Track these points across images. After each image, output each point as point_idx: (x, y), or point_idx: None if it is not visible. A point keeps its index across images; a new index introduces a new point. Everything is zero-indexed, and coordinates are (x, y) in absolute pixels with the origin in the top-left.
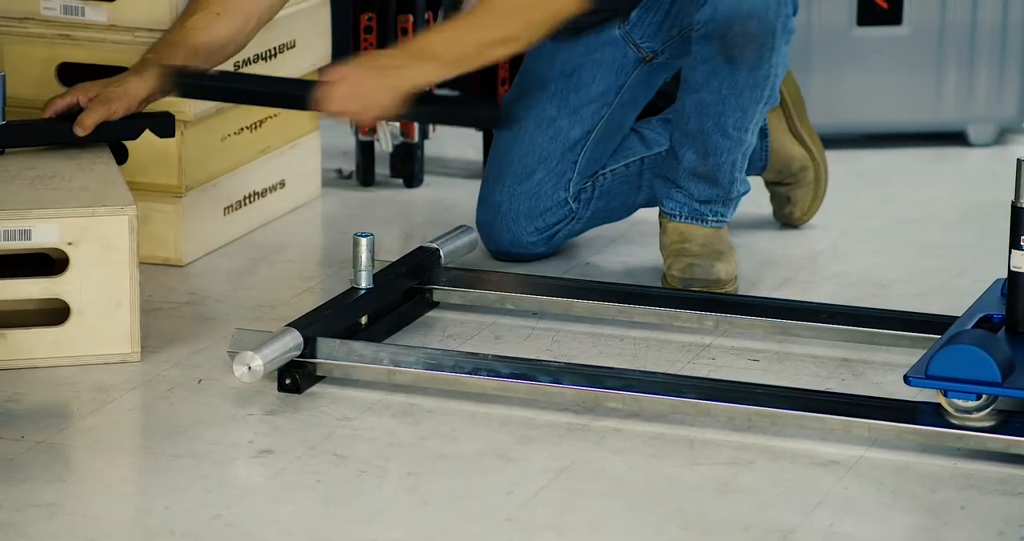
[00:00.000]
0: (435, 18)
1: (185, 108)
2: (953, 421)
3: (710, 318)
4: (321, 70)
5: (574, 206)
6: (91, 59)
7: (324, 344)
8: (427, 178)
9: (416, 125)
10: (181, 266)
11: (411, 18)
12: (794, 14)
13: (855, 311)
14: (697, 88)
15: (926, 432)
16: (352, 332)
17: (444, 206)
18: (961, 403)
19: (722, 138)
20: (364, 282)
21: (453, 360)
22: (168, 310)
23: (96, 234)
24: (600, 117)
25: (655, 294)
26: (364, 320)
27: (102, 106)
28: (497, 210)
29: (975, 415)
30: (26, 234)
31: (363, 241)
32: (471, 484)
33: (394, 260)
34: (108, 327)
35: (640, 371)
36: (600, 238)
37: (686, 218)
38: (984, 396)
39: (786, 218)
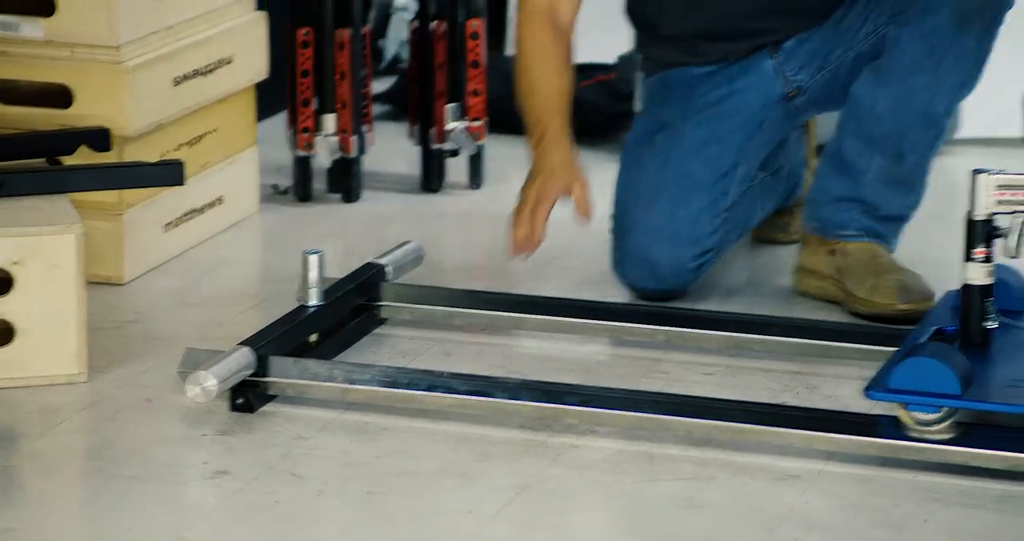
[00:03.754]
0: (373, 35)
1: (124, 123)
2: (913, 434)
3: (661, 332)
4: None
5: (723, 238)
6: (28, 76)
7: (277, 362)
8: (364, 193)
9: (354, 139)
10: (122, 284)
11: (348, 33)
12: None
13: (807, 323)
14: (899, 79)
15: (886, 445)
16: (302, 350)
17: (383, 221)
18: (922, 416)
19: (928, 132)
20: (314, 299)
21: (408, 377)
22: (112, 329)
23: (42, 254)
24: (745, 150)
25: (605, 308)
26: (314, 337)
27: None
28: (658, 236)
29: (935, 428)
30: None
31: (312, 259)
32: (432, 503)
33: (340, 277)
34: (55, 348)
35: (598, 387)
36: (542, 253)
37: (872, 236)
38: (944, 409)
39: (776, 234)
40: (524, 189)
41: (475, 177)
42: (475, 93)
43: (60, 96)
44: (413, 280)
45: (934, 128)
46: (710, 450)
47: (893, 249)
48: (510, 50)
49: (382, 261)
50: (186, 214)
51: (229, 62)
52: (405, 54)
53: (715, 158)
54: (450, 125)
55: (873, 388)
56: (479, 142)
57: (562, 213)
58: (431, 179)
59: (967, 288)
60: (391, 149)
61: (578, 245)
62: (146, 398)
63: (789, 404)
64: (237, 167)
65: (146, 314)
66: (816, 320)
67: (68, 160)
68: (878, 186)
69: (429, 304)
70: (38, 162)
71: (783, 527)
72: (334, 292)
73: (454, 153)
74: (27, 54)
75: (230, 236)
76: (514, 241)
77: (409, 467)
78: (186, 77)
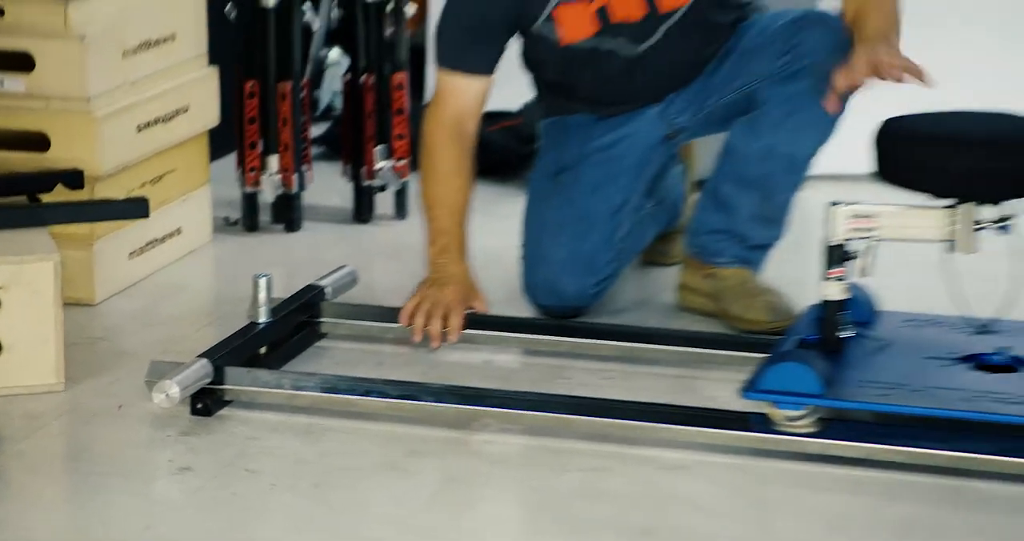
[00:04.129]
0: (311, 86)
1: (95, 165)
2: (782, 429)
3: (565, 343)
4: None
5: (618, 264)
6: (10, 124)
7: (232, 372)
8: (304, 224)
9: (295, 177)
10: (93, 305)
11: (289, 85)
12: None
13: (689, 334)
14: (767, 132)
15: (759, 438)
16: (253, 361)
17: (321, 248)
18: (789, 413)
19: (790, 178)
20: (263, 317)
21: (347, 384)
22: (85, 345)
23: (24, 280)
24: (634, 187)
25: (516, 323)
26: (263, 350)
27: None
28: (562, 267)
29: (800, 423)
30: None
31: (261, 281)
32: (370, 494)
33: (285, 297)
34: (35, 361)
35: (512, 391)
36: None
37: (740, 262)
38: (808, 407)
39: (659, 257)
40: (420, 290)
41: (400, 209)
42: (400, 136)
43: (38, 142)
44: (349, 299)
45: (795, 174)
46: (608, 445)
47: (761, 272)
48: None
49: (322, 283)
50: (148, 244)
51: (186, 111)
52: (337, 102)
53: (609, 196)
54: (378, 164)
55: (748, 389)
56: (404, 179)
57: (474, 247)
58: (362, 211)
59: (825, 303)
60: (327, 185)
61: (489, 270)
62: (117, 405)
63: (675, 404)
64: (193, 202)
65: (114, 331)
66: (697, 331)
67: (46, 197)
68: (748, 221)
69: (364, 320)
70: (20, 199)
71: (673, 510)
72: (280, 310)
73: (382, 188)
74: (9, 105)
75: (187, 263)
76: (427, 333)
77: (349, 463)
78: (148, 124)
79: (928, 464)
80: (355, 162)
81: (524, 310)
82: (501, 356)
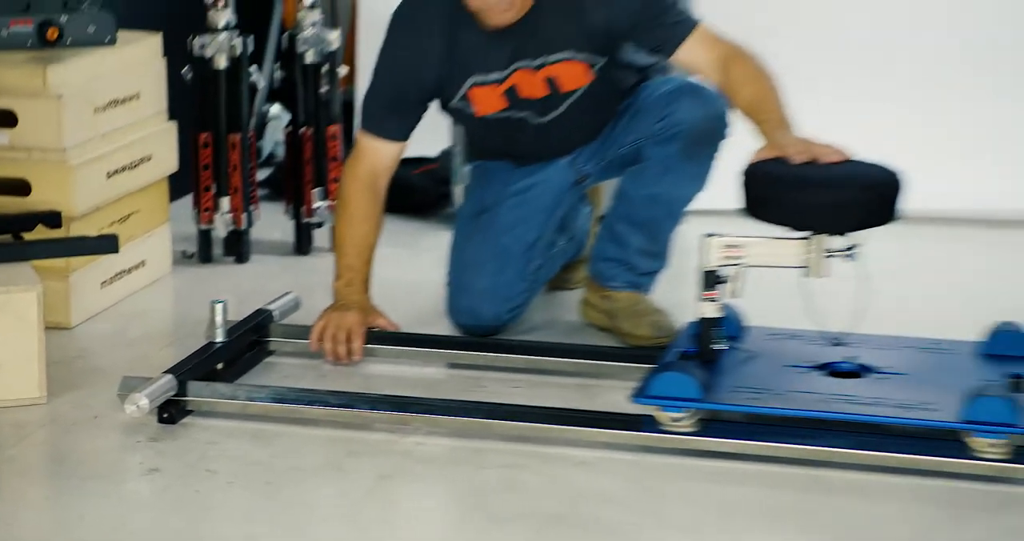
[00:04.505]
0: (256, 137)
1: (70, 207)
2: (667, 428)
3: (483, 357)
4: None
5: (530, 292)
6: None
7: (193, 386)
8: (252, 256)
9: (244, 215)
10: (70, 328)
11: (238, 136)
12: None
13: (588, 348)
14: (652, 180)
15: (650, 438)
16: (212, 375)
17: (267, 277)
18: (673, 415)
19: (670, 221)
20: (220, 337)
21: (294, 395)
22: (64, 363)
23: (11, 307)
24: (546, 226)
25: (440, 340)
26: (220, 366)
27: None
28: (482, 296)
29: (683, 423)
30: None
31: (218, 306)
32: (315, 490)
33: (238, 320)
34: (21, 377)
35: (437, 398)
36: (389, 300)
37: (631, 287)
38: (689, 409)
39: (564, 284)
40: (324, 315)
41: (335, 252)
42: (335, 180)
43: (21, 187)
44: (294, 321)
45: (674, 218)
46: (522, 445)
47: (649, 295)
48: None
49: (270, 307)
50: (117, 274)
51: (149, 159)
52: (278, 151)
53: (524, 235)
54: (316, 204)
55: (637, 395)
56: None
57: (399, 275)
58: (302, 245)
59: (702, 321)
60: (271, 223)
61: (415, 295)
62: (93, 415)
63: (577, 408)
64: (155, 238)
65: (89, 351)
66: (595, 346)
67: (28, 236)
68: (637, 254)
69: (307, 339)
70: (5, 237)
71: (581, 501)
72: (234, 331)
73: (319, 225)
74: None
75: (151, 291)
76: (334, 355)
77: (296, 463)
78: (116, 172)
79: (794, 457)
80: (296, 202)
81: (447, 329)
82: (427, 369)
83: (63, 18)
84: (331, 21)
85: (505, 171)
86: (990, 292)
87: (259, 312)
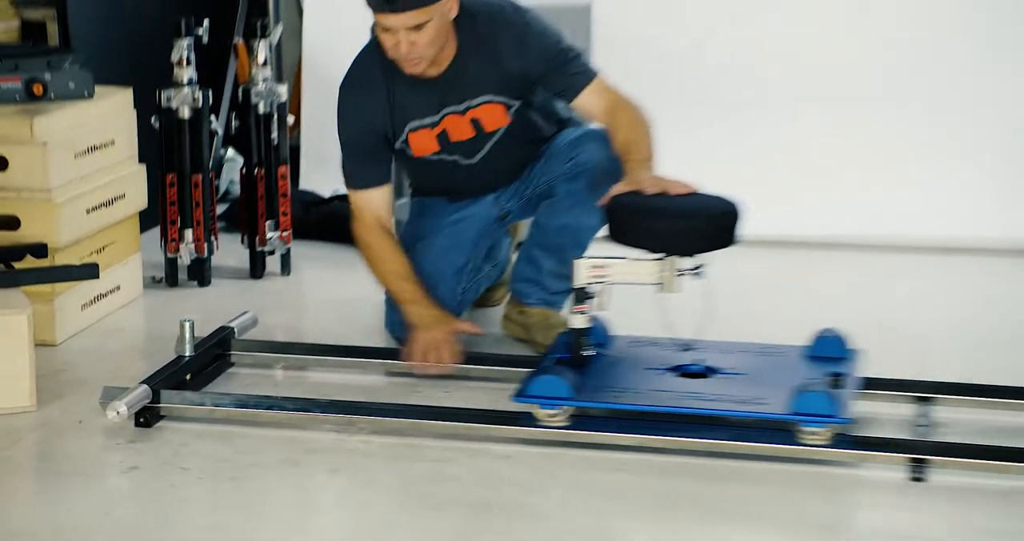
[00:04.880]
0: (216, 177)
1: (55, 239)
2: (545, 424)
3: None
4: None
5: (459, 309)
6: None
7: (166, 394)
8: (213, 280)
9: (206, 245)
10: (55, 345)
11: (200, 176)
12: None
13: (508, 357)
14: (561, 213)
15: (528, 431)
16: (181, 385)
17: (226, 299)
18: (549, 412)
19: (576, 248)
20: (188, 351)
21: (253, 401)
22: (51, 375)
23: (5, 327)
24: (473, 254)
25: (380, 351)
26: (188, 376)
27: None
28: (431, 293)
29: (558, 419)
30: None
31: (186, 324)
32: (275, 483)
33: (204, 336)
34: (13, 389)
35: (379, 402)
36: (339, 316)
37: (544, 304)
38: (562, 407)
39: (488, 302)
40: (414, 336)
41: (285, 268)
42: (284, 213)
43: (11, 223)
44: (252, 337)
45: (581, 245)
46: (452, 441)
47: (560, 310)
48: (303, 185)
49: (231, 324)
50: (96, 297)
51: (122, 197)
52: (234, 189)
53: (454, 260)
54: (268, 235)
55: (517, 395)
56: (287, 245)
57: (340, 295)
58: (256, 270)
59: (573, 330)
60: (229, 251)
61: (354, 312)
62: (77, 420)
63: (493, 409)
64: (128, 266)
65: (72, 365)
66: (514, 355)
67: (18, 265)
68: (550, 276)
69: (263, 352)
70: None
71: (502, 489)
72: (200, 346)
73: (271, 253)
74: None
75: (125, 311)
76: (436, 368)
77: (257, 460)
78: (95, 208)
79: (663, 447)
80: (250, 233)
81: (385, 342)
82: (368, 377)
83: (47, 76)
84: (279, 77)
85: (440, 206)
86: (815, 304)
87: (222, 329)
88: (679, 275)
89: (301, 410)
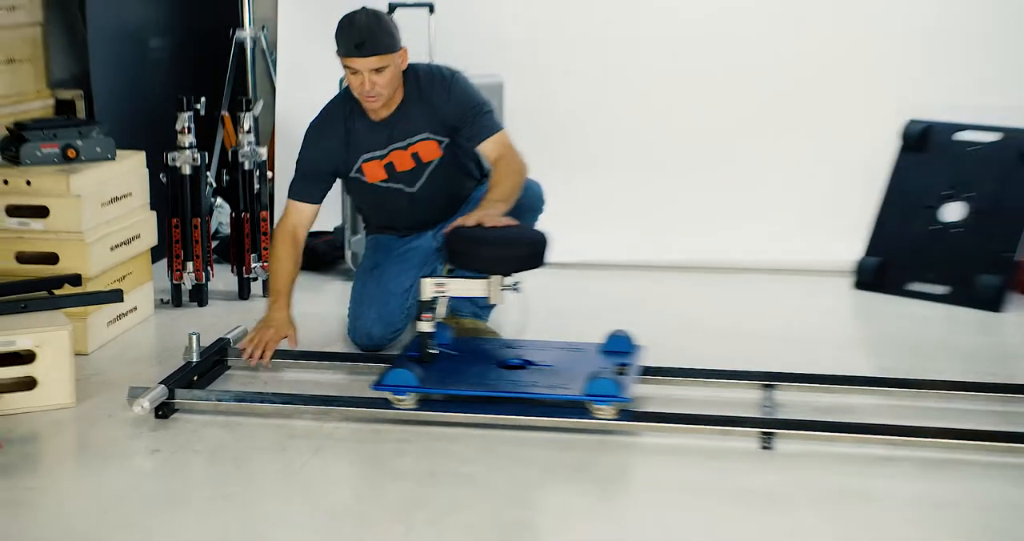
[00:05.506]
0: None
1: (86, 271)
2: (398, 406)
3: (375, 367)
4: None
5: (406, 321)
6: (34, 248)
7: (179, 392)
8: (210, 301)
9: (204, 273)
10: (87, 354)
11: (198, 220)
12: None
13: (354, 355)
14: None
15: (384, 413)
16: (191, 384)
17: (221, 316)
18: (400, 398)
19: None
20: (195, 357)
21: (249, 396)
22: (84, 378)
23: (50, 341)
24: (417, 277)
25: (343, 355)
26: (196, 378)
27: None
28: (373, 323)
29: (406, 403)
30: (12, 343)
31: (193, 337)
32: (269, 462)
33: (206, 346)
34: (58, 389)
35: (347, 396)
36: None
37: (474, 316)
38: (410, 394)
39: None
40: (255, 328)
41: (266, 292)
42: (265, 248)
43: (52, 258)
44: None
45: None
46: (407, 426)
47: (487, 321)
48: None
49: (227, 336)
50: (118, 316)
51: (138, 237)
52: (223, 229)
53: (402, 282)
54: (253, 265)
55: (374, 385)
56: (267, 273)
57: (310, 311)
58: (243, 293)
59: (420, 333)
60: (222, 278)
61: (321, 324)
62: (108, 414)
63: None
64: (142, 291)
65: (101, 370)
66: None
67: (58, 292)
68: None
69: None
70: (42, 293)
71: (448, 462)
72: (204, 353)
73: (255, 279)
74: (34, 237)
75: (141, 327)
76: (250, 358)
77: (253, 444)
78: (117, 246)
79: (492, 424)
80: (238, 264)
81: (348, 348)
82: (336, 376)
83: (79, 142)
84: (259, 142)
85: (390, 240)
86: (610, 311)
87: (220, 340)
88: (502, 289)
89: (286, 403)
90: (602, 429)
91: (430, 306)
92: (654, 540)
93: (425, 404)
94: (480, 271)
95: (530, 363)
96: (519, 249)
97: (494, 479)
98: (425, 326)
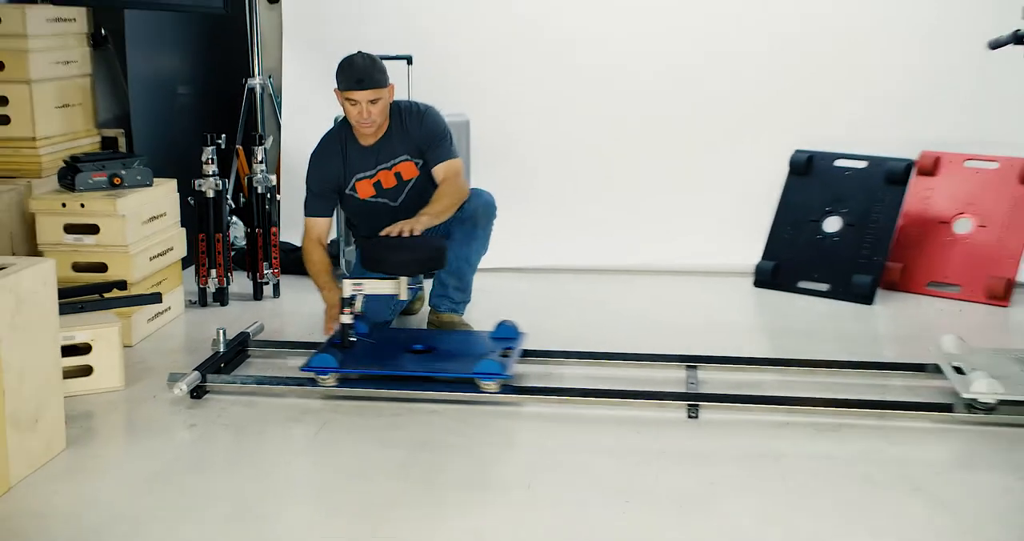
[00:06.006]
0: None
1: (131, 277)
2: (321, 384)
3: None
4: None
5: (392, 315)
6: (87, 259)
7: (210, 376)
8: (231, 302)
9: (225, 278)
10: (132, 346)
11: (220, 235)
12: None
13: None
14: (457, 246)
15: (313, 390)
16: (219, 370)
17: (239, 314)
18: (324, 378)
19: (469, 268)
20: (222, 348)
21: (267, 379)
22: (130, 366)
23: (103, 336)
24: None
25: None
26: (223, 365)
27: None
28: (374, 304)
29: (329, 381)
30: (72, 337)
31: (221, 331)
32: (282, 431)
33: (231, 338)
34: (110, 375)
35: (350, 377)
36: (310, 323)
37: (451, 311)
38: (332, 374)
39: (411, 310)
40: (327, 310)
41: (276, 293)
42: (275, 258)
43: (102, 267)
44: (262, 338)
45: (473, 268)
46: (402, 403)
47: (462, 315)
48: (283, 239)
49: (248, 330)
50: (156, 314)
51: (171, 249)
52: (237, 242)
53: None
54: (265, 271)
55: (303, 367)
56: (277, 278)
57: (314, 310)
58: (258, 295)
59: (343, 324)
60: (240, 283)
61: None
62: (152, 395)
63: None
64: (175, 293)
65: (144, 358)
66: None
67: (107, 295)
68: (454, 290)
69: (270, 348)
70: (94, 296)
71: (437, 432)
72: (229, 344)
73: (267, 283)
74: (88, 251)
75: (174, 323)
76: (329, 329)
77: (270, 417)
78: (155, 256)
79: (407, 398)
80: (253, 271)
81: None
82: None
83: (123, 172)
84: (269, 170)
85: None
86: (562, 307)
87: (242, 333)
88: (409, 288)
89: (299, 385)
90: (489, 401)
91: (350, 301)
92: (588, 487)
93: (345, 382)
94: (389, 272)
95: (434, 348)
96: (421, 254)
97: (475, 447)
98: (345, 318)
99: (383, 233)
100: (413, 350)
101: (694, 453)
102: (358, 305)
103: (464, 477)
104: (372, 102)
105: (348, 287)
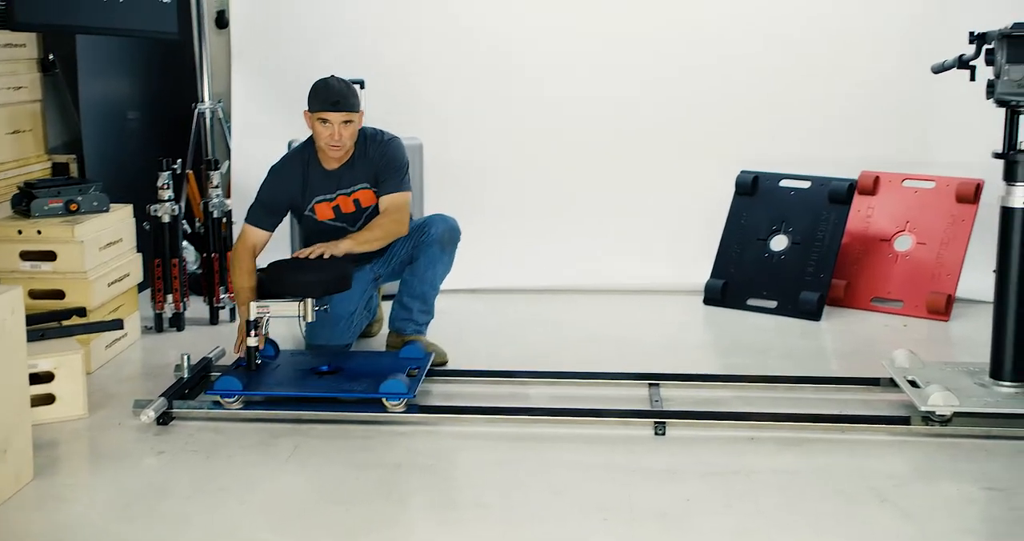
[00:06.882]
0: (180, 264)
1: (90, 304)
2: (226, 407)
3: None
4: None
5: (352, 337)
6: (45, 286)
7: (176, 402)
8: (187, 327)
9: (182, 303)
10: (91, 373)
11: (176, 260)
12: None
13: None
14: (423, 270)
15: (218, 413)
16: (184, 396)
17: (195, 339)
18: (228, 400)
19: (433, 291)
20: (186, 374)
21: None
22: (92, 393)
23: (66, 364)
24: (359, 303)
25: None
26: (187, 391)
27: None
28: (325, 341)
29: (234, 405)
30: (35, 365)
31: (185, 356)
32: (253, 457)
33: (193, 363)
34: (73, 403)
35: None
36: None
37: (416, 333)
38: (236, 396)
39: (369, 333)
40: (240, 327)
41: (233, 317)
42: (230, 282)
43: (59, 294)
44: (223, 362)
45: (435, 290)
46: (371, 425)
47: (425, 335)
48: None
49: (209, 355)
50: (113, 341)
51: (128, 275)
52: (189, 267)
53: (348, 307)
54: (221, 296)
55: (207, 390)
56: (233, 302)
57: (274, 330)
58: (214, 319)
59: (248, 347)
60: (196, 308)
61: (284, 339)
62: (117, 422)
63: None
64: (131, 319)
65: (103, 386)
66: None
67: (66, 323)
68: (418, 313)
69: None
70: (53, 323)
71: (408, 454)
72: (192, 370)
73: (223, 307)
74: (44, 277)
75: (131, 349)
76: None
77: (240, 442)
78: (112, 282)
79: (311, 419)
80: (209, 296)
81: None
82: None
83: (79, 198)
84: (224, 194)
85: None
86: (464, 327)
87: (204, 359)
88: (315, 310)
89: (266, 409)
90: (394, 421)
91: (256, 324)
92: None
93: (248, 406)
94: (294, 294)
95: (341, 368)
96: (325, 276)
97: (446, 466)
98: (251, 341)
99: (297, 254)
100: (319, 371)
101: (665, 470)
102: (264, 327)
103: (439, 497)
104: (345, 124)
105: (254, 309)
